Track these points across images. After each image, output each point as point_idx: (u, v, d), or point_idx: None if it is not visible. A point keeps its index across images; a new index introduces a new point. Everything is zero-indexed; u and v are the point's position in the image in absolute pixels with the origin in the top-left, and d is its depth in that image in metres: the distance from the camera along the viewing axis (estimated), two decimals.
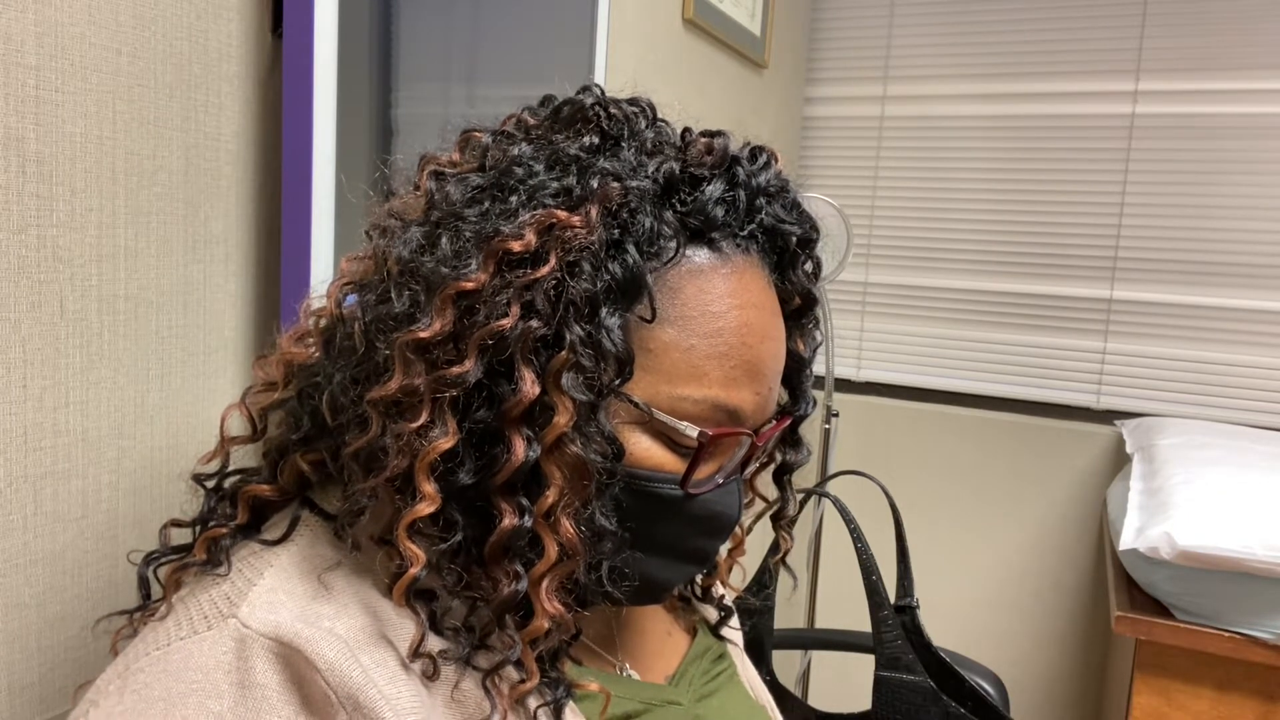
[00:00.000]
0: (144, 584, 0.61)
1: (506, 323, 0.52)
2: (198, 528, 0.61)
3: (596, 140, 0.58)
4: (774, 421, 0.64)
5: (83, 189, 0.68)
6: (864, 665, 1.23)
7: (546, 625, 0.54)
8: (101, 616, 0.72)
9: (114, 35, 0.69)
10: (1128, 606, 1.37)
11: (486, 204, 0.56)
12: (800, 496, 0.78)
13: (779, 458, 0.72)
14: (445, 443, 0.52)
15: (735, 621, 0.82)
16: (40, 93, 0.64)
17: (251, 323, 0.84)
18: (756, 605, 1.13)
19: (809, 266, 0.65)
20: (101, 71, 0.68)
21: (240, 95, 0.80)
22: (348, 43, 0.82)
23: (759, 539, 0.79)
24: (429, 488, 0.52)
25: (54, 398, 0.68)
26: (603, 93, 0.62)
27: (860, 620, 1.30)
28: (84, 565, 0.71)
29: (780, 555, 0.76)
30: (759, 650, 1.13)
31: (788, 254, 0.63)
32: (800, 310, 0.67)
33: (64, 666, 0.70)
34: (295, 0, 0.78)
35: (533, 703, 0.55)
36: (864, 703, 1.10)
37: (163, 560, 0.61)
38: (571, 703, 0.57)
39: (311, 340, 0.62)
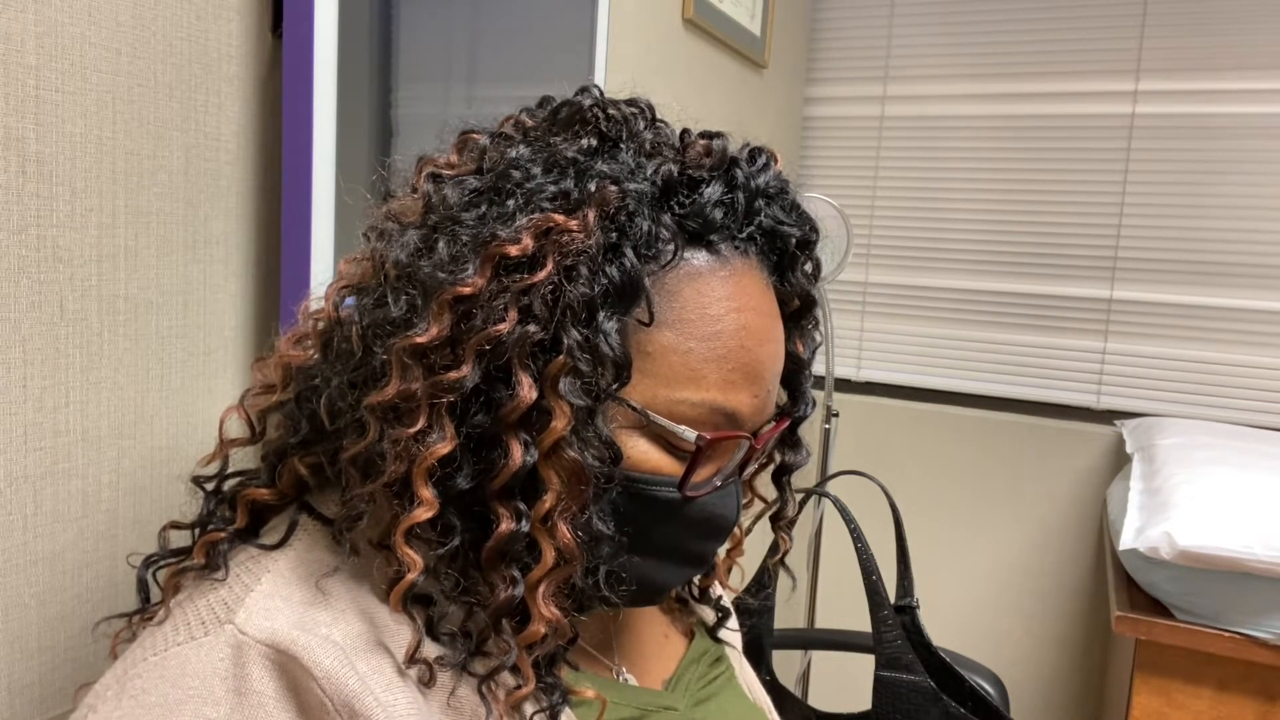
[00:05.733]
0: (143, 587, 0.61)
1: (504, 327, 0.52)
2: (196, 530, 0.61)
3: (594, 142, 0.58)
4: (773, 423, 0.64)
5: (83, 189, 0.68)
6: (864, 665, 1.23)
7: (543, 630, 0.53)
8: (101, 619, 0.72)
9: (114, 35, 0.69)
10: (1128, 606, 1.37)
11: (484, 207, 0.55)
12: (800, 496, 0.78)
13: (778, 459, 0.72)
14: (443, 448, 0.52)
15: (733, 623, 0.82)
16: (40, 93, 0.64)
17: (251, 323, 0.84)
18: (755, 606, 1.13)
19: (808, 268, 0.65)
20: (101, 71, 0.68)
21: (240, 95, 0.80)
22: (348, 43, 0.82)
23: (758, 540, 0.79)
24: (426, 493, 0.52)
25: (54, 398, 0.68)
26: (601, 94, 0.62)
27: (860, 620, 1.30)
28: (84, 565, 0.71)
29: (779, 556, 0.76)
30: (758, 651, 1.13)
31: (787, 256, 0.63)
32: (799, 312, 0.67)
33: (64, 667, 0.70)
34: (295, 0, 0.78)
35: (529, 709, 0.55)
36: (864, 703, 1.10)
37: (161, 563, 0.61)
38: (568, 709, 0.57)
39: (310, 343, 0.62)
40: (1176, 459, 1.60)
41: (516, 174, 0.56)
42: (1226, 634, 1.31)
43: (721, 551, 0.77)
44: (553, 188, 0.55)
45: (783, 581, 1.13)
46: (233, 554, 0.58)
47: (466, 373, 0.52)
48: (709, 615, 0.80)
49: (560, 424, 0.52)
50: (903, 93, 2.24)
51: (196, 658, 0.51)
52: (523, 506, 0.53)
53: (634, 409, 0.56)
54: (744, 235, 0.59)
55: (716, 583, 0.80)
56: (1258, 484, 1.44)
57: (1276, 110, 1.94)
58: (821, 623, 2.19)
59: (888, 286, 2.28)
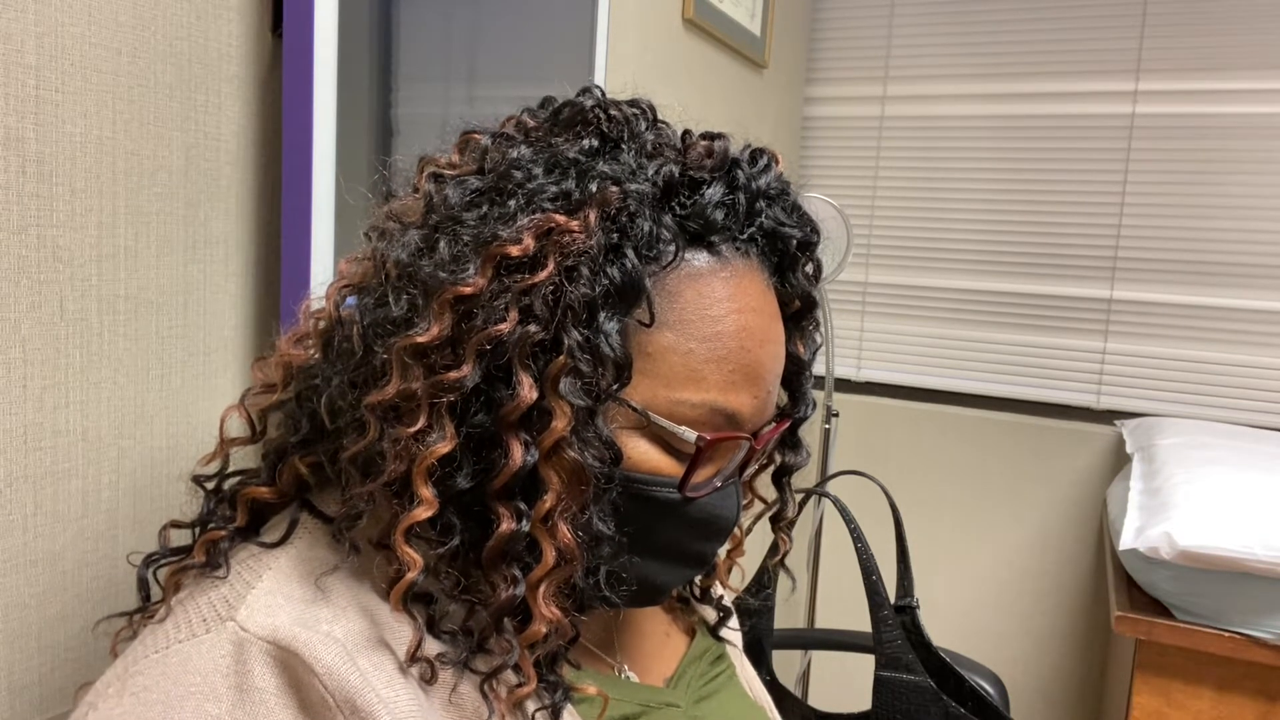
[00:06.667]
0: (143, 585, 0.61)
1: (504, 327, 0.52)
2: (197, 529, 0.61)
3: (596, 143, 0.58)
4: (773, 424, 0.64)
5: (83, 189, 0.68)
6: (864, 665, 1.23)
7: (544, 630, 0.54)
8: (101, 618, 0.72)
9: (114, 35, 0.69)
10: (1128, 606, 1.37)
11: (485, 207, 0.55)
12: (800, 497, 0.78)
13: (778, 459, 0.72)
14: (443, 447, 0.52)
15: (734, 622, 0.82)
16: (40, 93, 0.64)
17: (251, 323, 0.84)
18: (756, 606, 1.13)
19: (809, 269, 0.65)
20: (101, 71, 0.68)
21: (240, 95, 0.80)
22: (348, 43, 0.82)
23: (758, 539, 0.79)
24: (426, 492, 0.52)
25: (54, 398, 0.68)
26: (603, 94, 0.62)
27: (860, 620, 1.30)
28: (84, 565, 0.71)
29: (779, 557, 0.76)
30: (758, 651, 1.13)
31: (788, 257, 0.63)
32: (800, 313, 0.67)
33: (64, 666, 0.70)
34: (295, 0, 0.78)
35: (531, 706, 0.55)
36: (864, 703, 1.10)
37: (162, 562, 0.61)
38: (570, 706, 0.57)
39: (310, 342, 0.62)
40: (1176, 459, 1.60)
41: (518, 174, 0.56)
42: (1226, 634, 1.31)
43: (722, 552, 0.77)
44: (554, 188, 0.55)
45: (783, 581, 1.13)
46: (233, 552, 0.58)
47: (467, 372, 0.52)
48: (710, 614, 0.80)
49: (561, 424, 0.52)
50: (903, 93, 2.24)
51: (198, 654, 0.51)
52: (523, 506, 0.53)
53: (634, 409, 0.56)
54: (745, 236, 0.59)
55: (717, 583, 0.80)
56: (1257, 484, 1.44)
57: (1276, 110, 1.94)
58: (821, 623, 2.19)
59: (888, 286, 2.28)
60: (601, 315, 0.53)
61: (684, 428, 0.56)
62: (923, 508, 2.27)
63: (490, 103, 1.03)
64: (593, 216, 0.53)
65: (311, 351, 0.62)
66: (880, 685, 1.05)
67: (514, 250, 0.52)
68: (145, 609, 0.60)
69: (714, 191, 0.57)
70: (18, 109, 0.63)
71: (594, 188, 0.54)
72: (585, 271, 0.53)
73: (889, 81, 2.25)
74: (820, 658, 2.24)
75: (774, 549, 0.77)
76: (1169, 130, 2.02)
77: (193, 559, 0.58)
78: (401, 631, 0.54)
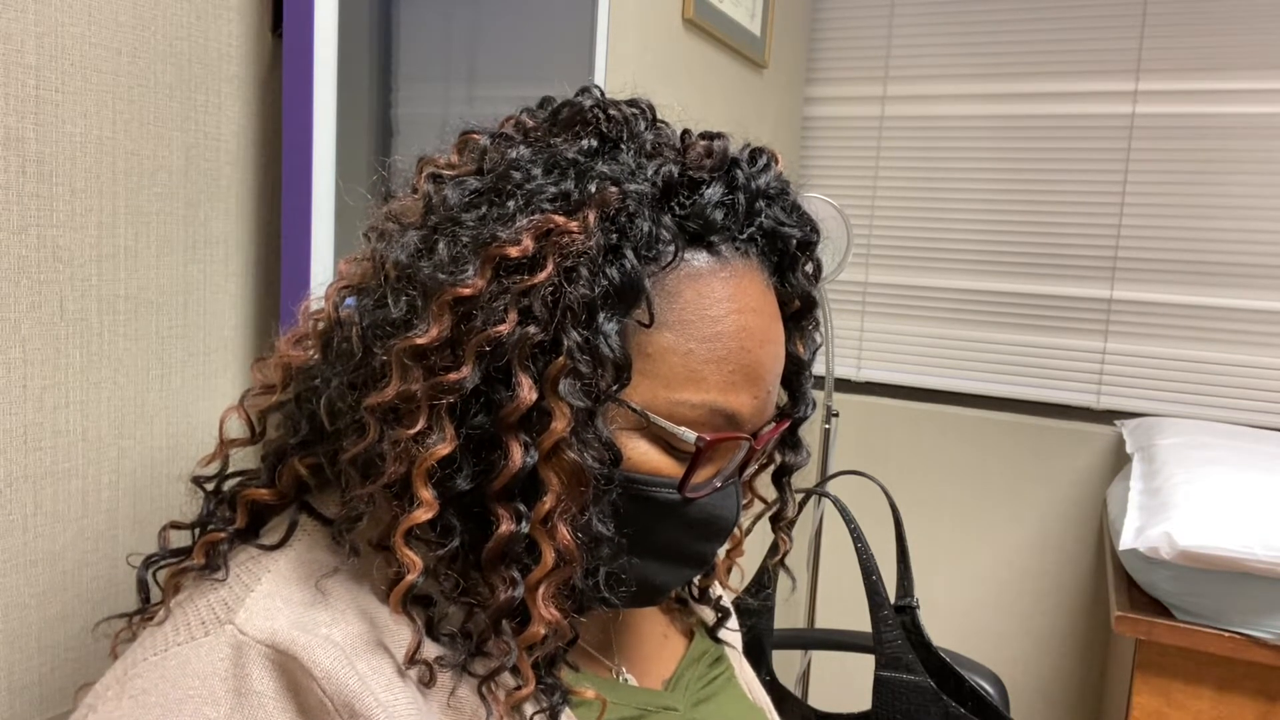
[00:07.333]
0: (143, 587, 0.61)
1: (504, 328, 0.52)
2: (196, 531, 0.61)
3: (595, 143, 0.58)
4: (773, 424, 0.64)
5: (83, 189, 0.68)
6: (864, 665, 1.23)
7: (543, 631, 0.53)
8: (101, 619, 0.72)
9: (114, 35, 0.69)
10: (1128, 606, 1.37)
11: (484, 208, 0.55)
12: (800, 496, 0.78)
13: (778, 459, 0.72)
14: (443, 449, 0.52)
15: (733, 623, 0.82)
16: (40, 93, 0.64)
17: (251, 323, 0.84)
18: (755, 606, 1.13)
19: (809, 269, 0.65)
20: (101, 71, 0.68)
21: (240, 95, 0.80)
22: (348, 43, 0.82)
23: (758, 540, 0.79)
24: (426, 494, 0.52)
25: (54, 398, 0.68)
26: (602, 94, 0.62)
27: (860, 620, 1.30)
28: (84, 565, 0.71)
29: (779, 557, 0.76)
30: (758, 651, 1.13)
31: (787, 256, 0.63)
32: (800, 313, 0.67)
33: (64, 666, 0.70)
34: (295, 0, 0.78)
35: (529, 709, 0.55)
36: (864, 703, 1.10)
37: (161, 563, 0.61)
38: (568, 709, 0.57)
39: (310, 343, 0.62)
40: (1176, 459, 1.60)
41: (517, 175, 0.56)
42: (1226, 634, 1.31)
43: (721, 552, 0.77)
44: (553, 189, 0.55)
45: (783, 581, 1.13)
46: (233, 554, 0.58)
47: (466, 374, 0.52)
48: (709, 615, 0.80)
49: (560, 425, 0.52)
50: (903, 93, 2.24)
51: (197, 658, 0.51)
52: (523, 508, 0.53)
53: (634, 410, 0.56)
54: (744, 236, 0.59)
55: (716, 583, 0.80)
56: (1257, 484, 1.44)
57: (1276, 110, 1.94)
58: (821, 623, 2.19)
59: (888, 286, 2.28)
60: (601, 316, 0.53)
61: (684, 428, 0.56)
62: (923, 508, 2.27)
63: (490, 103, 1.03)
64: (592, 217, 0.53)
65: (311, 352, 0.62)
66: (880, 685, 1.05)
67: (513, 251, 0.52)
68: (145, 611, 0.60)
69: (713, 191, 0.57)
70: (18, 109, 0.63)
71: (593, 188, 0.54)
72: (584, 272, 0.53)
73: (889, 81, 2.25)
74: (820, 658, 2.24)
75: (774, 549, 0.77)
76: (1169, 130, 2.02)
77: (192, 561, 0.58)
78: (400, 634, 0.54)
